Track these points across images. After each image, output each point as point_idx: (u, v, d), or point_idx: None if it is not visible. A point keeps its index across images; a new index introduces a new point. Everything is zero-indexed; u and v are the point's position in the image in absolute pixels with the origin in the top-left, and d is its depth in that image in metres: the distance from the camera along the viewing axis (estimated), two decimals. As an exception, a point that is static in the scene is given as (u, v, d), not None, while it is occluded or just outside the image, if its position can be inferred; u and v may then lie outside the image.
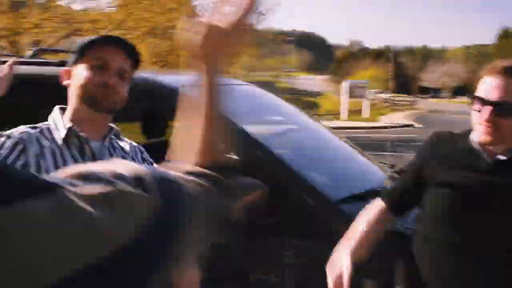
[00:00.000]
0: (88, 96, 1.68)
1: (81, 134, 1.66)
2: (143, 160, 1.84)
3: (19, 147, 1.58)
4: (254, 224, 2.33)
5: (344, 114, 28.69)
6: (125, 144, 1.83)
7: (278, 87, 40.99)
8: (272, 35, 25.10)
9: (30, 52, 3.33)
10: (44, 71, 2.87)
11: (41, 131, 1.66)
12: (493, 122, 1.79)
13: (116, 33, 14.32)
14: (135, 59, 1.79)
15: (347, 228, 2.04)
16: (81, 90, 1.68)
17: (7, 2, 12.43)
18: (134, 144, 1.86)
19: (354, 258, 1.86)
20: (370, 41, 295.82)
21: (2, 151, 1.55)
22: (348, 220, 2.19)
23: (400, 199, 2.06)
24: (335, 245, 1.96)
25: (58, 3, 13.57)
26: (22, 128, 1.63)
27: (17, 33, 12.52)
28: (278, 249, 2.39)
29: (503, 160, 1.84)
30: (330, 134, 3.65)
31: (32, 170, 1.55)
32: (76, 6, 13.76)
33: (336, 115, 29.31)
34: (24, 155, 1.57)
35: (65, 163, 1.60)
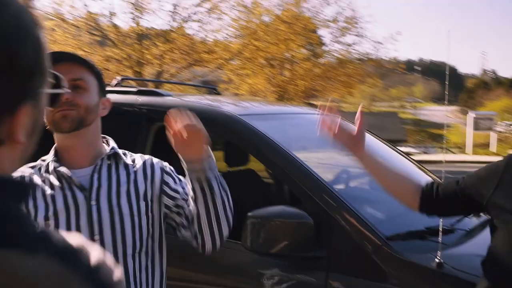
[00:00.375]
0: (50, 120, 1.56)
1: (59, 169, 1.57)
2: (164, 173, 1.69)
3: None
4: (299, 257, 2.29)
5: (469, 147, 27.16)
6: (135, 160, 1.70)
7: (401, 117, 39.87)
8: (396, 65, 24.62)
9: (114, 81, 3.57)
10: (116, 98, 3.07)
11: (38, 168, 1.62)
12: None
13: (234, 62, 14.90)
14: (90, 68, 1.64)
15: (393, 265, 1.94)
16: (48, 122, 1.55)
17: (135, 35, 13.49)
18: (150, 159, 1.71)
19: None
20: (503, 70, 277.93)
21: None
22: (394, 256, 2.09)
23: (439, 193, 1.87)
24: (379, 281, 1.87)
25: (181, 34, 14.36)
26: (21, 169, 1.51)
27: (141, 64, 13.46)
28: (321, 284, 2.32)
29: None
30: (410, 166, 3.49)
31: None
32: (196, 37, 14.49)
33: (463, 148, 27.85)
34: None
35: (54, 197, 1.56)
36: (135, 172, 1.65)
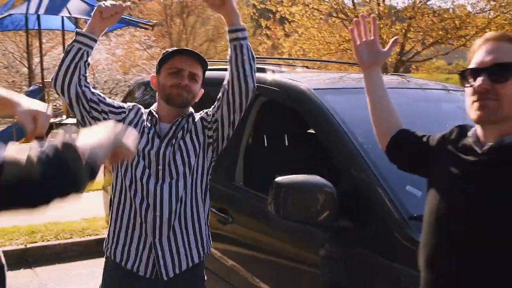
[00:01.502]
0: (165, 95, 2.41)
1: (155, 116, 2.45)
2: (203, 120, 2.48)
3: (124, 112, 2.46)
4: (323, 226, 2.35)
5: None
6: (195, 118, 2.49)
7: None
8: None
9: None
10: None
11: (142, 111, 2.51)
12: (489, 90, 1.46)
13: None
14: (204, 65, 2.45)
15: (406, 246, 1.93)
16: (161, 91, 2.45)
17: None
18: (200, 114, 2.51)
19: None
20: None
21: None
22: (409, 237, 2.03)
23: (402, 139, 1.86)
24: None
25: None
26: (137, 105, 2.53)
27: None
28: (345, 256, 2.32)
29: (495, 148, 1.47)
30: None
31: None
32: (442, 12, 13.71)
33: None
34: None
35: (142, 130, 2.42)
36: (196, 124, 2.46)
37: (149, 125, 2.44)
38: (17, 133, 13.35)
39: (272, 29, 16.07)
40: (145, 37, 28.22)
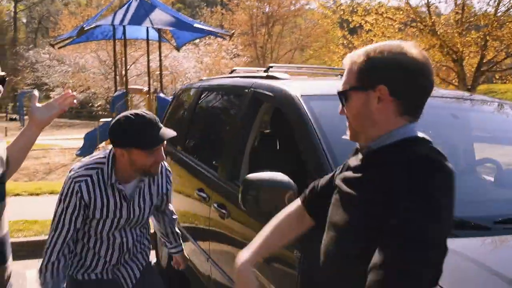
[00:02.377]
0: (144, 170, 2.49)
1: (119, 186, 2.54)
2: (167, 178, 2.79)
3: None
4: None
5: None
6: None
7: None
8: None
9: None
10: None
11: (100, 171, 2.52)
12: (344, 113, 1.60)
13: None
14: None
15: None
16: (136, 165, 2.47)
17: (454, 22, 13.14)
18: (165, 168, 2.79)
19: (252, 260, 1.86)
20: None
21: None
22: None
23: (317, 197, 1.86)
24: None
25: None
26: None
27: (457, 51, 13.05)
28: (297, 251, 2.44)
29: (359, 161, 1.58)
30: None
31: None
32: None
33: None
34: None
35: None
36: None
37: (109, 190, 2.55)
38: (101, 135, 14.32)
39: (349, 39, 16.09)
40: (233, 46, 29.04)
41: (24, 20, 67.40)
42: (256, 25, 30.84)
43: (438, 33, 13.28)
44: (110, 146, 2.55)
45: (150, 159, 2.42)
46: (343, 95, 1.56)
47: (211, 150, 4.18)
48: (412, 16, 13.55)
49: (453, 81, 15.13)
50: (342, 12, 14.68)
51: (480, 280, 1.75)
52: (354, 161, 1.60)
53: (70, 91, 2.47)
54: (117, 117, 2.44)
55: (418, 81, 1.47)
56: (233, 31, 20.84)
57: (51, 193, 8.41)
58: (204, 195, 3.66)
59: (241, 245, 3.10)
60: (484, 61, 13.81)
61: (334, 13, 16.02)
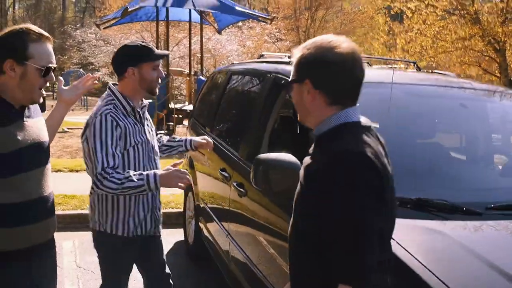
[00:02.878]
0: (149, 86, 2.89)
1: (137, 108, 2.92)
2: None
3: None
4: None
5: None
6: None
7: None
8: None
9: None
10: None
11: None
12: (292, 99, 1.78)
13: None
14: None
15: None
16: (143, 82, 2.86)
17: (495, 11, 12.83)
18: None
19: None
20: None
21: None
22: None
23: None
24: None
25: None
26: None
27: (499, 40, 12.75)
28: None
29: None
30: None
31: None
32: None
33: None
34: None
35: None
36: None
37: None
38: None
39: (390, 25, 15.92)
40: (276, 30, 28.99)
41: None
42: (299, 9, 30.63)
43: (481, 21, 13.00)
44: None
45: (154, 74, 2.86)
46: (288, 86, 1.74)
47: (234, 131, 4.34)
48: (454, 3, 13.28)
49: (495, 71, 14.81)
50: (383, -2, 14.51)
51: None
52: (311, 147, 1.74)
53: (90, 74, 2.91)
54: (122, 46, 2.97)
55: (339, 74, 1.61)
56: (274, 15, 20.86)
57: (91, 169, 8.77)
58: (226, 174, 3.83)
59: (255, 222, 3.28)
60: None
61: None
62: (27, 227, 2.19)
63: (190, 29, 17.12)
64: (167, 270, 3.22)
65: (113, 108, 2.80)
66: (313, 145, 1.72)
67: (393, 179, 1.63)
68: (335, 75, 1.62)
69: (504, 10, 12.89)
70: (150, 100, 15.91)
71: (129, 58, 2.85)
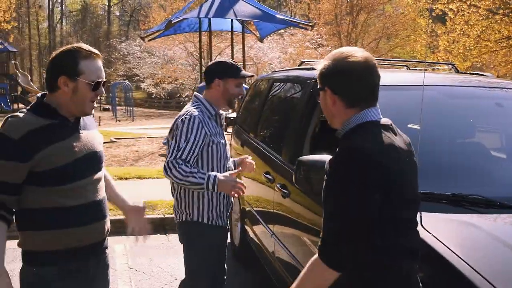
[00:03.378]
0: (229, 99, 3.34)
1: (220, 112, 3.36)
2: None
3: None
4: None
5: None
6: None
7: None
8: None
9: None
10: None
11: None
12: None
13: None
14: None
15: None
16: (225, 94, 3.31)
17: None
18: None
19: None
20: None
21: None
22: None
23: None
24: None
25: None
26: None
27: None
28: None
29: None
30: None
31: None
32: None
33: None
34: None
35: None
36: None
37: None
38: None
39: (432, 27, 15.79)
40: (317, 35, 29.07)
41: (117, 13, 70.72)
42: (340, 14, 30.62)
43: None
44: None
45: (236, 90, 3.31)
46: (316, 94, 1.97)
47: (277, 136, 4.50)
48: (498, 2, 13.09)
49: (541, 70, 14.50)
50: (425, 0, 14.42)
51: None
52: None
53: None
54: (216, 60, 3.41)
55: (354, 81, 1.82)
56: (315, 21, 20.96)
57: (138, 177, 9.13)
58: (270, 177, 3.99)
59: (299, 222, 3.42)
60: None
61: (418, 0, 15.74)
62: (84, 227, 2.39)
63: (232, 39, 17.42)
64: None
65: (200, 112, 3.20)
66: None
67: (413, 174, 1.83)
68: (348, 82, 1.84)
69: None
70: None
71: (218, 71, 3.29)
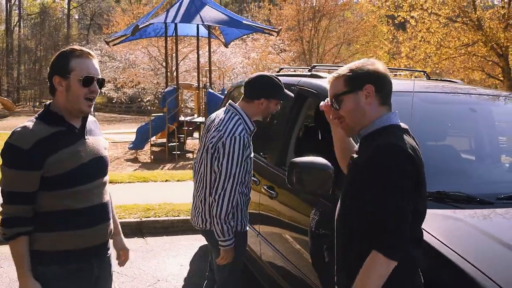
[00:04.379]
0: (266, 116, 3.46)
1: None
2: None
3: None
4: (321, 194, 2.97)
5: None
6: None
7: None
8: None
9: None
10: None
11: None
12: (337, 116, 2.16)
13: None
14: None
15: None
16: (266, 111, 3.40)
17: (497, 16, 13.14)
18: None
19: None
20: None
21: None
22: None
23: None
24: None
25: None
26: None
27: (501, 46, 13.08)
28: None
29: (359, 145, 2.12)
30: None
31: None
32: None
33: None
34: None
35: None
36: None
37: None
38: (153, 129, 15.06)
39: (394, 34, 16.29)
40: (279, 41, 29.38)
41: (77, 17, 69.64)
42: (303, 20, 31.03)
43: (483, 28, 13.35)
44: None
45: (275, 108, 3.40)
46: (335, 101, 2.12)
47: (261, 140, 4.67)
48: (457, 10, 13.64)
49: (498, 75, 15.13)
50: (387, 8, 14.88)
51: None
52: (356, 147, 2.14)
53: None
54: (264, 75, 3.39)
55: (384, 81, 2.07)
56: (280, 27, 21.24)
57: (110, 182, 8.96)
58: (255, 179, 4.16)
59: (286, 221, 3.60)
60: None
61: (379, 8, 16.20)
62: (89, 229, 2.50)
63: (198, 44, 17.51)
64: None
65: (244, 128, 3.26)
66: (358, 145, 2.07)
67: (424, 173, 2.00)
68: (382, 81, 2.08)
69: (506, 16, 13.22)
70: (161, 114, 16.37)
71: (268, 91, 3.33)
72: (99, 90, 2.50)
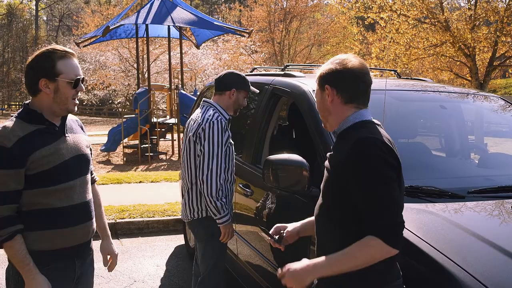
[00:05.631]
0: (237, 109, 3.69)
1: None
2: None
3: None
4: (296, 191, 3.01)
5: None
6: None
7: None
8: None
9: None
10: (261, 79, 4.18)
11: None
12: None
13: None
14: None
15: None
16: (236, 103, 3.65)
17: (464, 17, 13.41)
18: None
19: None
20: None
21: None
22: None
23: None
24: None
25: None
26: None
27: (470, 47, 13.36)
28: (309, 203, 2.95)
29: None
30: None
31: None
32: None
33: None
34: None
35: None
36: None
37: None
38: (125, 131, 14.95)
39: (364, 35, 16.51)
40: (251, 42, 29.45)
41: (45, 18, 68.55)
42: (274, 21, 31.15)
43: (451, 29, 13.63)
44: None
45: (244, 101, 3.65)
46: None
47: (236, 139, 4.70)
48: (425, 12, 13.87)
49: (466, 75, 15.45)
50: (357, 10, 15.06)
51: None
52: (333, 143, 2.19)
53: None
54: (232, 72, 3.66)
55: (350, 80, 2.08)
56: (252, 29, 21.29)
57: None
58: (230, 178, 4.19)
59: (261, 218, 3.64)
60: (496, 56, 14.13)
61: (349, 10, 16.40)
62: (71, 228, 2.48)
63: (169, 45, 17.45)
64: None
65: (220, 115, 3.50)
66: (335, 141, 2.11)
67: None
68: (347, 80, 2.09)
69: (473, 17, 13.52)
70: (133, 116, 16.25)
71: (237, 82, 3.61)
72: (84, 88, 2.55)
